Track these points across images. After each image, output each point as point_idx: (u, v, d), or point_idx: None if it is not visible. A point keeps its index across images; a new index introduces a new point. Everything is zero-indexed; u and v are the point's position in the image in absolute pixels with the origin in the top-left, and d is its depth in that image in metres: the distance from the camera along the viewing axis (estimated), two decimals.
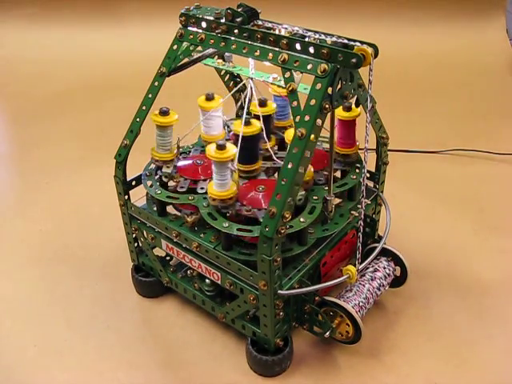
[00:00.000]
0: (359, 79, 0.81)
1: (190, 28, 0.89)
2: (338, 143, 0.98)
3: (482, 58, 2.14)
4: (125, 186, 0.98)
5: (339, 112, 0.95)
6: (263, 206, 0.86)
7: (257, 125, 0.91)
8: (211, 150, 0.85)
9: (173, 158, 0.96)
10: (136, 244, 1.05)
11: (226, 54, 0.99)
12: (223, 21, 0.84)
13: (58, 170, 1.52)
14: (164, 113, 0.93)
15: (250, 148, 0.92)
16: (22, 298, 1.08)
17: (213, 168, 0.86)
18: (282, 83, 0.85)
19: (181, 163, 0.98)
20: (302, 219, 0.85)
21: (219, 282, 0.89)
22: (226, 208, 0.87)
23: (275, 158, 0.96)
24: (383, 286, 0.95)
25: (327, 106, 0.74)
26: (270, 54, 0.79)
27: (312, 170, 0.92)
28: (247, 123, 0.91)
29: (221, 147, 0.84)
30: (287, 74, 0.78)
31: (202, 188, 0.92)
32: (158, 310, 1.04)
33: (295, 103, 0.76)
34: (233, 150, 0.85)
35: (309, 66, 0.75)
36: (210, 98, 0.99)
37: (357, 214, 0.92)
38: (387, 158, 1.00)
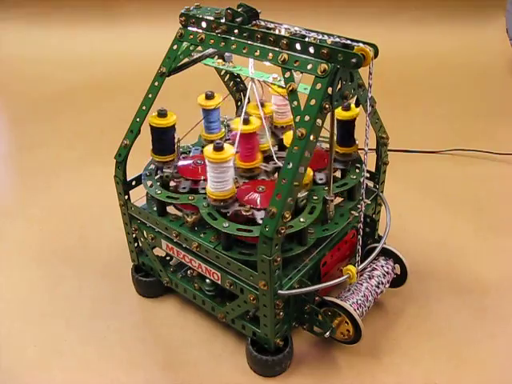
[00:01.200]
0: (359, 79, 0.81)
1: (190, 28, 0.89)
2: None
3: (482, 58, 2.14)
4: (125, 185, 0.98)
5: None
6: (262, 206, 0.86)
7: (256, 122, 0.92)
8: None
9: (173, 159, 0.96)
10: (136, 244, 1.05)
11: (226, 54, 0.99)
12: (223, 21, 0.84)
13: (58, 170, 1.52)
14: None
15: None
16: (22, 298, 1.08)
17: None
18: (282, 83, 0.85)
19: (181, 163, 0.98)
20: (301, 219, 0.85)
21: (219, 282, 0.89)
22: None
23: (275, 158, 0.96)
24: (382, 284, 0.95)
25: (327, 105, 0.74)
26: (270, 54, 0.79)
27: (311, 173, 0.92)
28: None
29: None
30: (287, 74, 0.78)
31: (204, 188, 0.92)
32: (158, 309, 1.04)
33: (295, 103, 0.76)
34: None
35: (309, 66, 0.75)
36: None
37: (357, 214, 0.91)
38: (387, 157, 1.00)
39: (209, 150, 0.85)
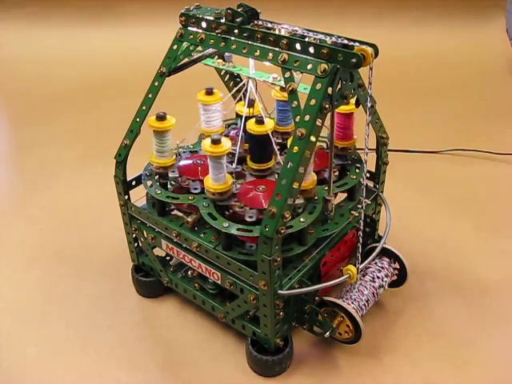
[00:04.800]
0: (359, 79, 0.81)
1: (189, 28, 0.89)
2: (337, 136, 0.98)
3: (482, 58, 2.14)
4: (125, 185, 0.98)
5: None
6: (255, 205, 0.86)
7: (268, 124, 0.92)
8: (206, 144, 0.86)
9: (173, 163, 0.96)
10: (136, 244, 1.05)
11: (226, 53, 0.99)
12: (223, 21, 0.84)
13: (58, 169, 1.52)
14: (161, 117, 0.92)
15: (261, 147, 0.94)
16: (22, 297, 1.08)
17: (208, 162, 0.87)
18: (282, 83, 0.85)
19: (182, 163, 0.98)
20: (301, 219, 0.85)
21: (219, 282, 0.89)
22: (221, 201, 0.87)
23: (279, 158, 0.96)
24: (382, 284, 0.95)
25: (327, 105, 0.74)
26: (270, 54, 0.79)
27: (315, 177, 0.90)
28: (259, 122, 0.91)
29: (215, 141, 0.85)
30: (287, 74, 0.78)
31: (196, 188, 0.93)
32: (158, 310, 1.04)
33: (295, 103, 0.76)
34: (227, 144, 0.86)
35: (309, 66, 0.75)
36: (209, 92, 0.99)
37: (357, 214, 0.91)
38: (387, 157, 1.00)
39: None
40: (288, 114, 1.03)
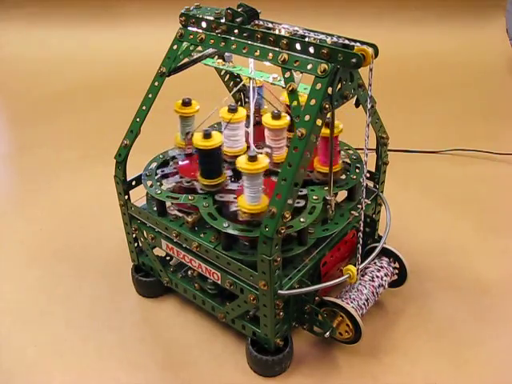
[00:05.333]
0: (359, 79, 0.81)
1: (189, 28, 0.89)
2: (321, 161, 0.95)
3: (482, 58, 2.14)
4: (125, 186, 0.98)
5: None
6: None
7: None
8: (242, 162, 0.82)
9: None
10: (136, 244, 1.05)
11: (226, 53, 0.99)
12: (223, 21, 0.84)
13: (58, 169, 1.52)
14: (186, 103, 0.97)
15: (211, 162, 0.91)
16: (22, 297, 1.08)
17: (244, 180, 0.84)
18: (282, 83, 0.85)
19: (182, 163, 0.98)
20: (302, 219, 0.85)
21: (219, 282, 0.89)
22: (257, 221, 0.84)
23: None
24: (382, 284, 0.95)
25: (327, 105, 0.74)
26: (270, 54, 0.79)
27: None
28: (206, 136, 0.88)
29: (252, 158, 0.82)
30: (287, 74, 0.78)
31: (202, 189, 0.92)
32: (158, 310, 1.04)
33: (295, 103, 0.76)
34: (265, 160, 0.83)
35: (309, 66, 0.75)
36: (233, 109, 0.93)
37: (357, 214, 0.92)
38: (387, 158, 1.00)
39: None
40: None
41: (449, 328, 0.98)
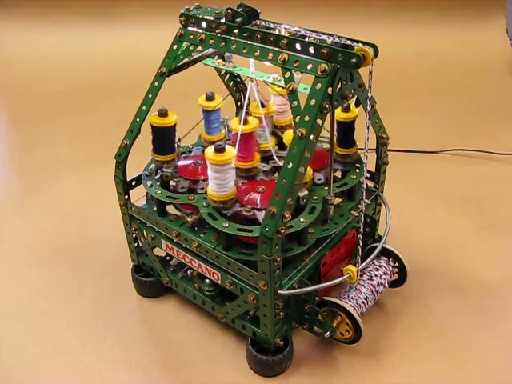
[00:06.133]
0: (359, 79, 0.81)
1: (190, 28, 0.89)
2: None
3: (482, 58, 2.14)
4: (125, 186, 0.98)
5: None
6: (263, 206, 0.86)
7: (254, 122, 0.92)
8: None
9: (173, 158, 0.96)
10: (136, 244, 1.05)
11: (226, 53, 0.99)
12: (223, 21, 0.84)
13: (58, 169, 1.52)
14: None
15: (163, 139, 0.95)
16: (22, 297, 1.08)
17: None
18: (282, 83, 0.85)
19: (181, 163, 0.98)
20: (302, 219, 0.85)
21: (219, 282, 0.89)
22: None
23: (275, 158, 0.96)
24: (382, 284, 0.95)
25: (327, 105, 0.74)
26: (270, 54, 0.79)
27: (311, 172, 0.92)
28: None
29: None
30: (287, 74, 0.78)
31: (202, 188, 0.92)
32: (158, 310, 1.04)
33: (295, 103, 0.76)
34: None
35: (309, 66, 0.75)
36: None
37: (357, 214, 0.92)
38: (387, 158, 1.00)
39: (210, 151, 0.84)
40: (214, 123, 1.04)
41: (449, 328, 0.98)
